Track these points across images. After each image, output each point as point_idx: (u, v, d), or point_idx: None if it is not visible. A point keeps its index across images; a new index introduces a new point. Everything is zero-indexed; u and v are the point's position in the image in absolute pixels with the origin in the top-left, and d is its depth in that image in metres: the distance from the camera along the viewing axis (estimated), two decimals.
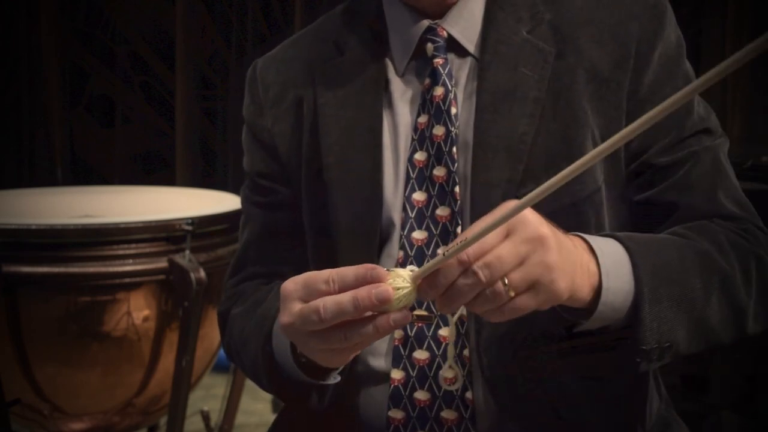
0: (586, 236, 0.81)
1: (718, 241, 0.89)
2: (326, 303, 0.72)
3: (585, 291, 0.79)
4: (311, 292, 0.75)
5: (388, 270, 0.73)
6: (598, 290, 0.80)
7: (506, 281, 0.71)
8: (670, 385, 1.06)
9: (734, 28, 3.03)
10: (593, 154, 0.62)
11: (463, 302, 0.72)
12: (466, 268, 0.70)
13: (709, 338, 0.87)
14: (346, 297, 0.72)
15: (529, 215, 0.72)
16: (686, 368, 1.98)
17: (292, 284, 0.77)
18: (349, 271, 0.73)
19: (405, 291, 0.72)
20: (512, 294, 0.71)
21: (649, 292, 0.81)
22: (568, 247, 0.76)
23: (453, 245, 0.70)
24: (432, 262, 0.71)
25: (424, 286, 0.72)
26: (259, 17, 3.76)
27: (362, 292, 0.71)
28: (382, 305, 0.71)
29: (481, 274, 0.70)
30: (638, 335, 0.81)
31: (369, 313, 0.73)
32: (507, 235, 0.71)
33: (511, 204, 0.69)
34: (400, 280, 0.72)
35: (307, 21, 1.76)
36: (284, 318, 0.77)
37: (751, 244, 0.92)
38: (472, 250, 0.70)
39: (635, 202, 0.95)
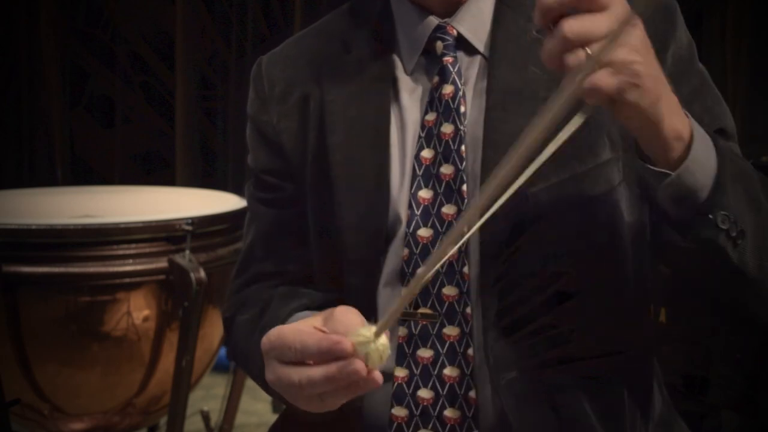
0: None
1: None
2: (301, 379, 0.75)
3: (678, 123, 0.77)
4: (281, 355, 0.77)
5: (353, 335, 0.73)
6: (687, 149, 0.79)
7: (588, 51, 0.69)
8: (671, 385, 1.06)
9: (734, 28, 3.03)
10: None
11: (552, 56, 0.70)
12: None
13: (762, 253, 0.86)
14: (318, 375, 0.73)
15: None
16: (686, 368, 1.98)
17: (267, 341, 0.79)
18: (311, 343, 0.74)
19: (375, 354, 0.72)
20: (593, 64, 0.69)
21: (729, 167, 0.81)
22: (656, 66, 0.75)
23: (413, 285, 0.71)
24: (391, 311, 0.72)
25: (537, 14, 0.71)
26: (259, 17, 3.76)
27: (333, 370, 0.73)
28: (356, 380, 0.72)
29: (569, 34, 0.69)
30: (723, 201, 0.80)
31: None
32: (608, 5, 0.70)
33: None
34: (367, 345, 0.72)
35: (307, 21, 1.75)
36: (268, 375, 0.80)
37: None
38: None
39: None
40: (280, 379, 0.77)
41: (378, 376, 0.73)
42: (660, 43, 0.93)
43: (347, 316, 0.77)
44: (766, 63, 3.00)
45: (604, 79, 0.70)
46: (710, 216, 0.80)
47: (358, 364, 0.72)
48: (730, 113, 0.98)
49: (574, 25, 0.69)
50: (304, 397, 0.77)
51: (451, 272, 0.91)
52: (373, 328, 0.73)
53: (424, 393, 0.92)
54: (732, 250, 0.82)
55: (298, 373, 0.75)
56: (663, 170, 0.80)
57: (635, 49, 0.72)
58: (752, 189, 0.85)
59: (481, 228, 0.90)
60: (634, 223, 0.94)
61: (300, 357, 0.75)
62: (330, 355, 0.73)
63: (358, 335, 0.73)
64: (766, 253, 0.86)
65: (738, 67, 3.02)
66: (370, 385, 0.73)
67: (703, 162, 0.80)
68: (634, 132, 0.78)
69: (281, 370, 0.77)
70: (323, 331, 0.76)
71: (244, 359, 1.00)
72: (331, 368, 0.73)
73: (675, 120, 0.78)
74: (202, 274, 1.82)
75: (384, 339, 0.73)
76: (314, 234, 1.00)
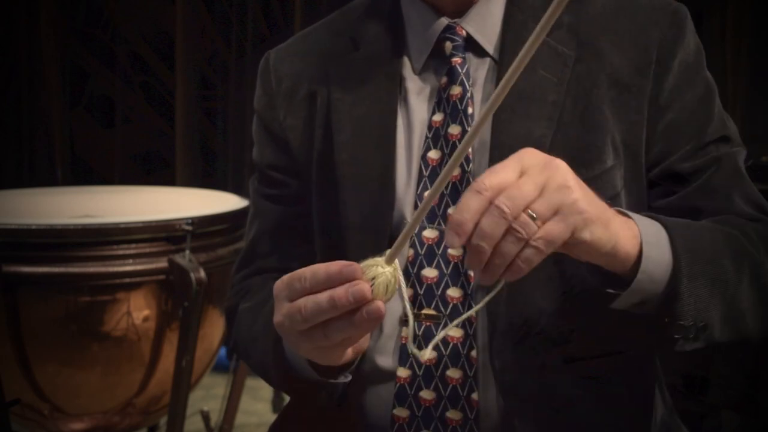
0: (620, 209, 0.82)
1: (745, 230, 0.90)
2: (306, 303, 0.73)
3: (628, 242, 0.78)
4: (293, 291, 0.75)
5: (364, 261, 0.73)
6: (637, 259, 0.79)
7: (531, 212, 0.70)
8: (671, 385, 1.06)
9: (734, 28, 3.03)
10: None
11: (491, 243, 0.70)
12: (489, 207, 0.69)
13: (739, 326, 0.86)
14: (323, 297, 0.72)
15: (540, 153, 0.73)
16: (686, 368, 1.98)
17: (279, 283, 0.77)
18: (321, 269, 0.74)
19: (382, 278, 0.72)
20: (539, 223, 0.70)
21: (686, 267, 0.81)
22: (592, 194, 0.75)
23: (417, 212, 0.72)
24: (401, 235, 0.72)
25: (451, 235, 0.70)
26: (259, 17, 3.76)
27: (339, 291, 0.72)
28: (360, 302, 0.71)
29: (504, 206, 0.69)
30: (676, 310, 0.80)
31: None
32: (522, 173, 0.71)
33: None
34: (375, 269, 0.73)
35: (307, 21, 1.75)
36: (276, 317, 0.78)
37: None
38: (489, 183, 0.69)
39: (655, 207, 0.94)
40: (286, 315, 0.75)
41: (381, 305, 0.72)
42: (667, 49, 0.93)
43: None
44: (766, 63, 3.00)
45: (556, 229, 0.70)
46: (666, 320, 0.81)
47: (364, 286, 0.71)
48: (731, 117, 0.99)
49: (508, 202, 0.69)
50: (308, 332, 0.75)
51: (455, 274, 0.91)
52: (382, 258, 0.73)
53: (427, 394, 0.91)
54: (695, 342, 0.83)
55: (305, 300, 0.74)
56: (618, 291, 0.81)
57: (568, 187, 0.72)
58: (718, 267, 0.84)
59: None
60: None
61: (310, 285, 0.74)
62: (339, 277, 0.72)
63: (368, 260, 0.73)
64: (742, 320, 0.87)
65: (738, 67, 3.02)
66: (372, 315, 0.72)
67: (657, 262, 0.80)
68: (597, 261, 0.78)
69: (288, 306, 0.75)
70: None
71: (246, 346, 1.00)
72: (337, 290, 0.72)
73: (627, 234, 0.78)
74: (202, 274, 1.82)
75: (394, 270, 0.73)
76: (318, 233, 1.00)
